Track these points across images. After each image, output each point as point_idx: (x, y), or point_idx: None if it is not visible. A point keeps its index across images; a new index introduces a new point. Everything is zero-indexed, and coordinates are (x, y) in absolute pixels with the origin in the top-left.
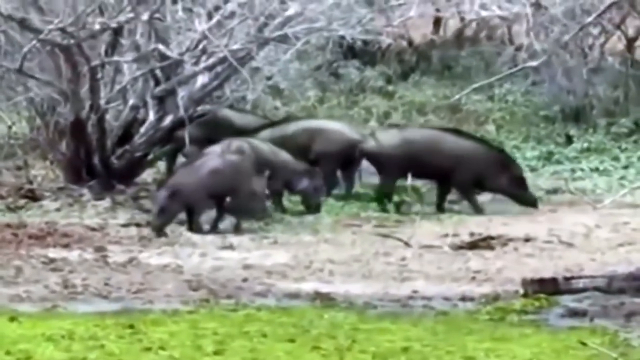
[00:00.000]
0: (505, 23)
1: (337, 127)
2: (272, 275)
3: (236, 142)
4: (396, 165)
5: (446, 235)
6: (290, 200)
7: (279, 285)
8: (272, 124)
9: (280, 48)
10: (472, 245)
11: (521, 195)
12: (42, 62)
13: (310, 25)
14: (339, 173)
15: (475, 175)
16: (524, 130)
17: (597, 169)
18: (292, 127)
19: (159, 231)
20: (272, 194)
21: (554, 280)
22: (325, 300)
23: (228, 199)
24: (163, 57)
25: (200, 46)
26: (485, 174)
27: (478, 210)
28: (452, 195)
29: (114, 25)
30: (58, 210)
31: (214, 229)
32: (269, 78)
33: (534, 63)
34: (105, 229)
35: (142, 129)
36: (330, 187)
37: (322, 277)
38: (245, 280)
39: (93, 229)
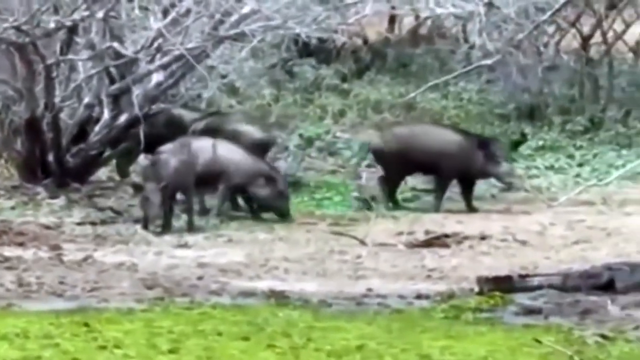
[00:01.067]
0: (460, 21)
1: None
2: (227, 274)
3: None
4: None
5: (401, 234)
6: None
7: (234, 284)
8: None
9: (235, 46)
10: (428, 243)
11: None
12: None
13: (265, 23)
14: None
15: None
16: (479, 128)
17: (552, 167)
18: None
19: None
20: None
21: (509, 278)
22: (280, 298)
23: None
24: (118, 55)
25: (156, 44)
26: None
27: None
28: (407, 193)
29: (69, 23)
30: (13, 208)
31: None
32: (224, 76)
33: (488, 61)
34: (60, 227)
35: (97, 127)
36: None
37: (277, 276)
38: (200, 278)
39: (48, 227)
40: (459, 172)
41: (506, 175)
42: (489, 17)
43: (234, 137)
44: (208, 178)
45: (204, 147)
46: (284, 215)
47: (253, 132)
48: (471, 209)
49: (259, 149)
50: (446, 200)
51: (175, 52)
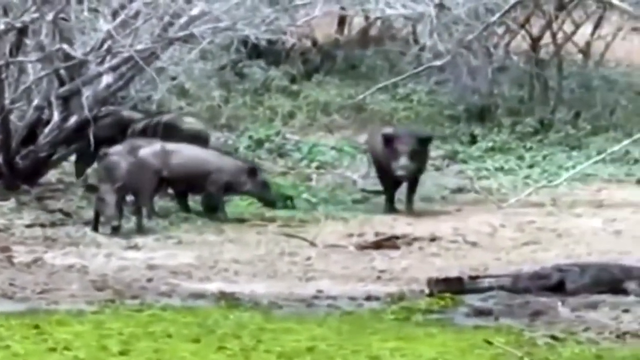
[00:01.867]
0: (410, 22)
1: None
2: (177, 276)
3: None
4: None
5: (351, 235)
6: (195, 201)
7: (184, 285)
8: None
9: (184, 48)
10: (377, 245)
11: None
12: None
13: (215, 25)
14: None
15: None
16: (429, 130)
17: (502, 168)
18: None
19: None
20: (212, 197)
21: (459, 279)
22: (230, 300)
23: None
24: (67, 57)
25: (105, 46)
26: None
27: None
28: (357, 195)
29: (18, 25)
30: None
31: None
32: (173, 78)
33: (438, 62)
34: (10, 229)
35: (47, 129)
36: None
37: (227, 277)
38: (150, 280)
39: None
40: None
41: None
42: (439, 18)
43: (172, 133)
44: (192, 180)
45: (177, 150)
46: (271, 204)
47: (191, 126)
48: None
49: (199, 143)
50: (395, 202)
51: (124, 54)
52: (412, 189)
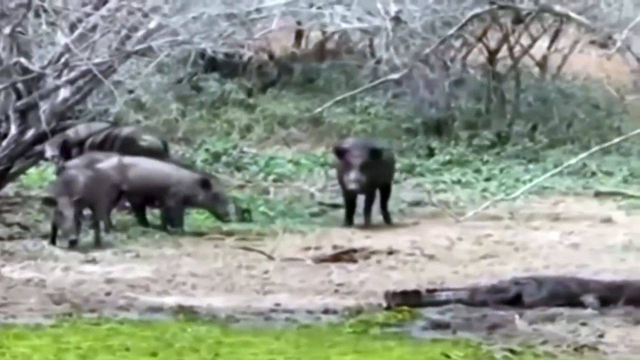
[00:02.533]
0: (367, 36)
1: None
2: (135, 289)
3: (97, 157)
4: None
5: (309, 248)
6: (153, 214)
7: (142, 299)
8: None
9: (142, 61)
10: (335, 258)
11: None
12: None
13: (172, 39)
14: None
15: None
16: (387, 142)
17: (459, 182)
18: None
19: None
20: (172, 210)
21: (416, 292)
22: (188, 313)
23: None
24: (25, 70)
25: (63, 59)
26: None
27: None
28: (315, 208)
29: None
30: None
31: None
32: (131, 91)
33: (395, 76)
34: None
35: (4, 143)
36: None
37: (185, 291)
38: (108, 294)
39: None
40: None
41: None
42: (396, 31)
43: (129, 146)
44: (151, 193)
45: (136, 163)
46: (222, 217)
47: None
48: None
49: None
50: (354, 215)
51: (82, 68)
52: (369, 202)
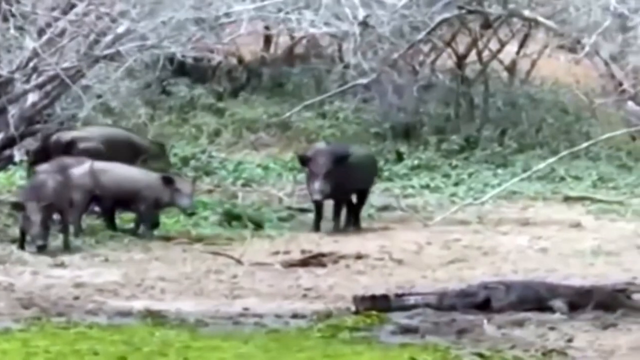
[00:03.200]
0: (335, 41)
1: None
2: (104, 293)
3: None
4: None
5: (277, 253)
6: (122, 218)
7: (111, 303)
8: None
9: (110, 66)
10: (304, 263)
11: None
12: None
13: (141, 43)
14: None
15: None
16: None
17: (427, 186)
18: None
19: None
20: (143, 214)
21: (385, 297)
22: (156, 318)
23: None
24: None
25: (31, 64)
26: None
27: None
28: (284, 212)
29: None
30: None
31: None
32: (99, 96)
33: (363, 80)
34: None
35: None
36: None
37: (154, 295)
38: (76, 298)
39: None
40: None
41: None
42: (364, 36)
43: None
44: (122, 198)
45: (107, 168)
46: (189, 212)
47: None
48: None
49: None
50: (322, 220)
51: (50, 72)
52: (338, 207)
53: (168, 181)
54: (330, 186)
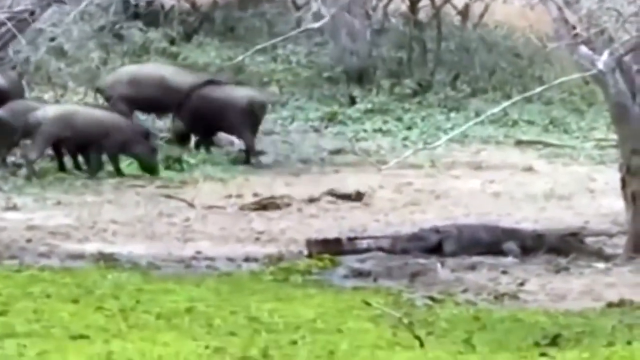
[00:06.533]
0: None
1: None
2: (56, 236)
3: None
4: None
5: (230, 196)
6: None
7: (63, 246)
8: None
9: (63, 9)
10: (256, 206)
11: None
12: None
13: None
14: None
15: None
16: (308, 91)
17: (380, 130)
18: None
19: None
20: (110, 156)
21: (337, 240)
22: (108, 261)
23: None
24: None
25: None
26: None
27: None
28: (236, 155)
29: None
30: None
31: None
32: (52, 39)
33: (316, 25)
34: None
35: None
36: None
37: (106, 238)
38: (29, 241)
39: None
40: None
41: None
42: None
43: None
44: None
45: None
46: (153, 171)
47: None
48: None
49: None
50: (274, 163)
51: (3, 15)
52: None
53: (147, 136)
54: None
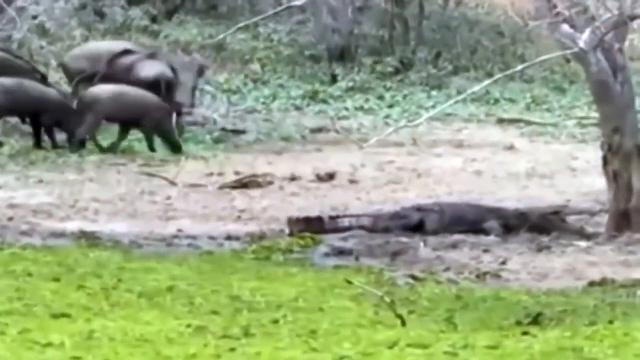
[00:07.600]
0: None
1: None
2: (38, 215)
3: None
4: None
5: (211, 174)
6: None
7: (44, 225)
8: None
9: None
10: (238, 184)
11: None
12: None
13: None
14: None
15: None
16: (289, 70)
17: (362, 108)
18: None
19: None
20: (146, 134)
21: (319, 219)
22: (90, 239)
23: None
24: None
25: None
26: None
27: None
28: (218, 133)
29: None
30: None
31: None
32: (34, 17)
33: (298, 2)
34: None
35: None
36: None
37: (87, 216)
38: (10, 219)
39: None
40: None
41: None
42: None
43: None
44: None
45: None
46: (179, 150)
47: None
48: None
49: None
50: (255, 141)
51: None
52: None
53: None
54: None
